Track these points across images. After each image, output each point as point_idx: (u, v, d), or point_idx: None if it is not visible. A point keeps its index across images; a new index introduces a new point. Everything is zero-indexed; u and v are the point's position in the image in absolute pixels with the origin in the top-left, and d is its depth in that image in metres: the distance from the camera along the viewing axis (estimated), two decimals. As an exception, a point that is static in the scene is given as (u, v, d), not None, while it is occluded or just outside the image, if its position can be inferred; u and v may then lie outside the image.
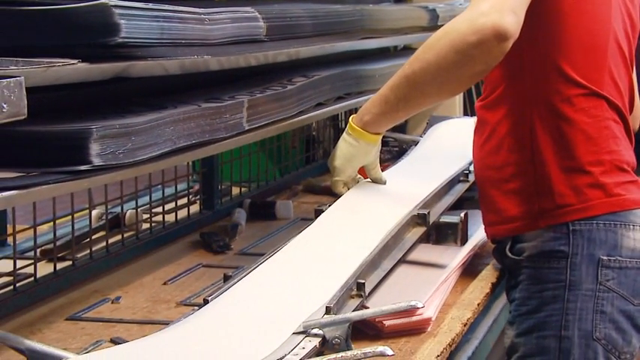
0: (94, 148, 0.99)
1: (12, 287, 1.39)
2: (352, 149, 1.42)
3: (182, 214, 1.87)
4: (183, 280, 1.57)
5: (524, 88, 1.37)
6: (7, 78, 0.80)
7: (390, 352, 0.88)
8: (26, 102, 0.82)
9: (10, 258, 1.45)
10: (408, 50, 2.43)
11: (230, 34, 1.29)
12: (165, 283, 1.55)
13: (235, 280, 1.21)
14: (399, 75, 1.33)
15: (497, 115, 1.41)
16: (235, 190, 2.09)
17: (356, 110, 2.63)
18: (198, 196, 1.96)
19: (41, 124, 0.99)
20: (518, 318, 1.39)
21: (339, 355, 0.91)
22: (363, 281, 1.18)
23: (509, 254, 1.40)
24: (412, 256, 1.46)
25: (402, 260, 1.37)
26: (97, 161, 0.99)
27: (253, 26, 1.36)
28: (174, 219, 1.83)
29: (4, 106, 0.78)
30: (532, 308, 1.36)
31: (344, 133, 1.44)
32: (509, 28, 1.19)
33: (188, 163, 2.02)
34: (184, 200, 1.94)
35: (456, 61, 1.23)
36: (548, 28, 1.34)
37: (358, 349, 0.92)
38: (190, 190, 2.02)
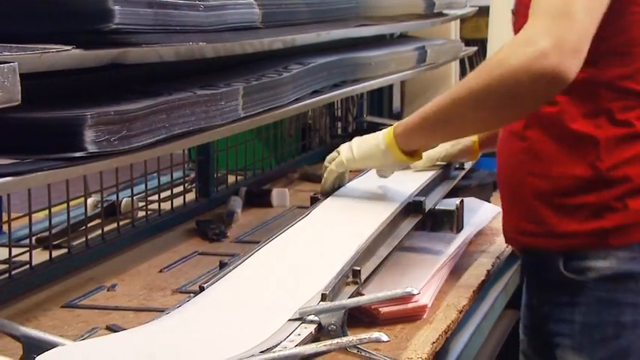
0: (89, 135, 0.98)
1: (7, 275, 1.39)
2: (375, 151, 1.36)
3: (178, 202, 1.86)
4: (179, 268, 1.57)
5: (593, 99, 1.25)
6: (0, 64, 0.79)
7: (385, 337, 0.89)
8: (20, 88, 0.81)
9: (6, 246, 1.45)
10: (404, 38, 2.42)
11: (225, 21, 1.28)
12: (161, 271, 1.55)
13: (231, 268, 1.21)
14: (445, 95, 1.26)
15: (553, 118, 1.27)
16: (231, 178, 2.09)
17: (352, 99, 2.65)
18: (194, 184, 1.96)
19: (35, 111, 0.99)
20: (590, 346, 1.27)
21: (335, 341, 0.91)
22: (358, 268, 1.18)
23: (566, 273, 1.27)
24: (408, 244, 1.47)
25: (398, 247, 1.37)
26: (91, 148, 0.99)
27: (249, 13, 1.35)
28: (170, 207, 1.82)
29: (-2, 91, 0.78)
30: (610, 335, 1.26)
31: (383, 130, 1.37)
32: (569, 74, 1.10)
33: (184, 151, 2.02)
34: (180, 188, 1.94)
35: (502, 97, 1.15)
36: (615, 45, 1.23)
37: (354, 335, 0.92)
38: (186, 178, 2.02)
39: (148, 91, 1.20)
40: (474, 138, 1.64)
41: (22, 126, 0.97)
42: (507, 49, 1.15)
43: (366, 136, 1.41)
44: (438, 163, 1.66)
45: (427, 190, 1.53)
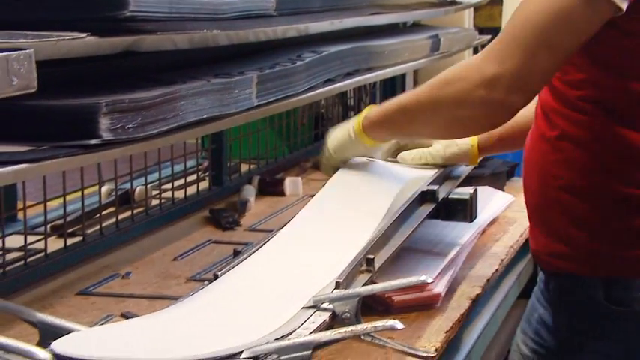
0: (104, 123, 0.98)
1: (23, 262, 1.40)
2: (348, 142, 1.36)
3: (191, 190, 1.87)
4: (193, 256, 1.58)
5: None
6: (16, 50, 0.79)
7: (400, 325, 0.89)
8: (36, 75, 0.82)
9: (21, 233, 1.46)
10: (417, 26, 2.41)
11: (239, 9, 1.28)
12: (174, 259, 1.56)
13: (245, 256, 1.21)
14: (411, 92, 1.24)
15: (593, 128, 1.12)
16: (244, 167, 2.09)
17: (365, 87, 2.64)
18: (207, 173, 1.96)
19: (51, 98, 0.99)
20: None
21: (349, 328, 0.91)
22: (372, 257, 1.18)
23: (608, 303, 1.13)
24: (422, 232, 1.46)
25: (412, 236, 1.37)
26: (106, 136, 0.99)
27: (262, 1, 1.35)
28: (183, 195, 1.83)
29: (14, 79, 0.78)
30: None
31: (354, 117, 1.36)
32: (511, 109, 1.07)
33: (197, 139, 2.02)
34: (194, 177, 1.95)
35: (448, 116, 1.14)
36: None
37: (368, 323, 0.92)
38: (199, 167, 2.02)
39: (162, 79, 1.20)
40: (473, 141, 1.51)
41: (37, 113, 0.97)
42: (461, 68, 1.13)
43: (337, 128, 1.39)
44: (428, 165, 1.53)
45: (440, 179, 1.52)
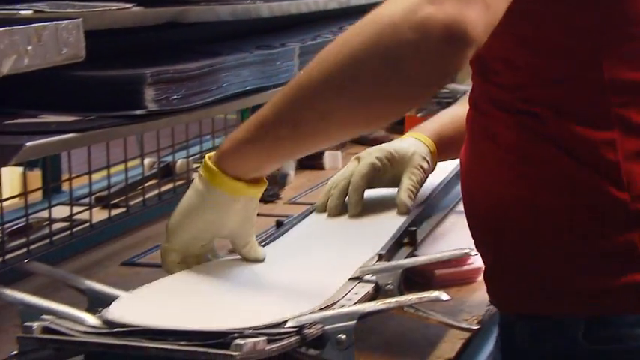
0: (149, 93, 0.99)
1: (69, 232, 1.43)
2: (196, 200, 0.88)
3: (232, 163, 1.87)
4: (234, 228, 1.58)
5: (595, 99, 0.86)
6: (65, 20, 0.80)
7: (445, 296, 0.88)
8: (84, 44, 0.82)
9: (67, 204, 1.49)
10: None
11: (281, -19, 1.28)
12: (216, 231, 1.56)
13: (287, 227, 1.22)
14: (287, 85, 0.83)
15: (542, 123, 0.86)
16: (284, 141, 2.09)
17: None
18: (248, 147, 1.96)
19: (97, 69, 1.00)
20: None
21: (394, 299, 0.91)
22: (414, 229, 1.18)
23: (587, 343, 0.90)
24: (461, 208, 1.45)
25: (453, 211, 1.36)
26: (151, 106, 1.00)
27: (305, -28, 1.34)
28: (224, 169, 1.84)
29: (63, 48, 0.79)
30: None
31: (196, 174, 0.92)
32: (472, 31, 0.72)
33: (238, 113, 2.03)
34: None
35: (379, 69, 0.74)
36: None
37: (412, 294, 0.92)
38: (239, 141, 2.03)
39: (206, 51, 1.20)
40: (426, 139, 1.22)
41: (84, 83, 0.98)
42: (374, 13, 0.76)
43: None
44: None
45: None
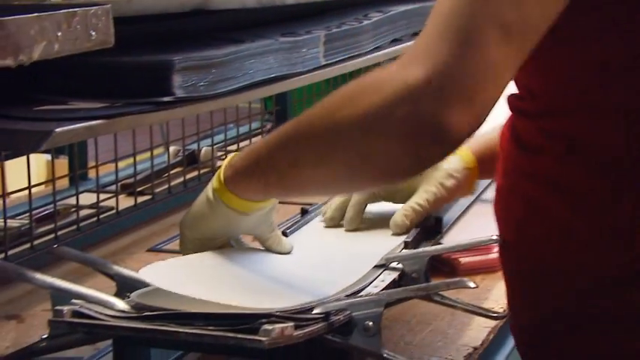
0: (177, 80, 0.99)
1: (96, 219, 1.44)
2: (207, 209, 0.90)
3: (256, 152, 1.88)
4: (259, 216, 1.59)
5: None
6: (94, 6, 0.80)
7: (472, 284, 0.88)
8: (113, 30, 0.82)
9: (93, 191, 1.50)
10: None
11: (307, -33, 1.27)
12: (241, 218, 1.57)
13: (313, 215, 1.22)
14: (301, 117, 0.79)
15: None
16: (307, 130, 2.10)
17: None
18: (271, 135, 1.97)
19: (124, 55, 1.00)
20: None
21: (422, 286, 0.91)
22: (440, 217, 1.17)
23: None
24: (488, 195, 1.44)
25: (478, 199, 1.36)
26: (179, 93, 1.00)
27: (330, -41, 1.33)
28: (248, 157, 1.85)
29: (92, 33, 0.79)
30: None
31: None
32: (453, 131, 0.66)
33: (261, 101, 2.03)
34: (258, 138, 1.96)
35: (350, 148, 0.71)
36: None
37: (439, 281, 0.92)
38: (263, 129, 2.03)
39: (231, 38, 1.20)
40: (466, 153, 1.11)
41: (112, 70, 0.99)
42: (371, 78, 0.71)
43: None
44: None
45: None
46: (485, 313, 1.03)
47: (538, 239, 0.81)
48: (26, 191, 1.34)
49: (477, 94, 0.66)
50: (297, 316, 0.82)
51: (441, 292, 0.97)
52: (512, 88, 0.80)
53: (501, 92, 0.69)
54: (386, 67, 0.72)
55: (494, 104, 0.68)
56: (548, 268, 0.80)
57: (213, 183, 0.90)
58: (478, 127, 0.68)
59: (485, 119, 0.68)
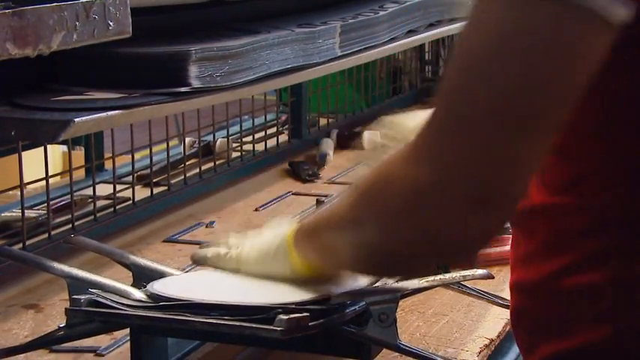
0: (194, 71, 0.99)
1: (112, 209, 1.45)
2: (270, 253, 0.87)
3: (271, 143, 1.88)
4: (274, 207, 1.60)
5: None
6: (112, -4, 0.80)
7: (488, 275, 0.88)
8: (131, 21, 0.83)
9: (109, 182, 1.50)
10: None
11: (323, -43, 1.27)
12: (256, 210, 1.58)
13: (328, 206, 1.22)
14: (347, 195, 0.72)
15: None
16: (322, 121, 2.10)
17: (443, 41, 2.58)
18: (287, 126, 1.97)
19: (141, 46, 1.00)
20: None
21: (438, 277, 0.91)
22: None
23: None
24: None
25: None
26: (196, 83, 1.00)
27: (346, -51, 1.33)
28: (263, 148, 1.85)
29: (111, 24, 0.80)
30: None
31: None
32: (471, 241, 0.61)
33: (277, 92, 2.03)
34: (273, 130, 1.96)
35: (376, 249, 0.66)
36: None
37: (457, 272, 0.91)
38: (278, 121, 2.03)
39: (248, 29, 1.20)
40: None
41: (129, 60, 0.99)
42: (385, 169, 0.65)
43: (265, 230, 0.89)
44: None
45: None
46: (504, 303, 1.02)
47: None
48: (43, 182, 1.35)
49: (499, 201, 0.59)
50: (313, 306, 0.82)
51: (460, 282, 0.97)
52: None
53: (523, 194, 0.62)
54: (399, 151, 0.63)
55: (515, 206, 0.61)
56: None
57: (286, 232, 0.86)
58: (499, 229, 0.62)
59: (529, 181, 0.61)
